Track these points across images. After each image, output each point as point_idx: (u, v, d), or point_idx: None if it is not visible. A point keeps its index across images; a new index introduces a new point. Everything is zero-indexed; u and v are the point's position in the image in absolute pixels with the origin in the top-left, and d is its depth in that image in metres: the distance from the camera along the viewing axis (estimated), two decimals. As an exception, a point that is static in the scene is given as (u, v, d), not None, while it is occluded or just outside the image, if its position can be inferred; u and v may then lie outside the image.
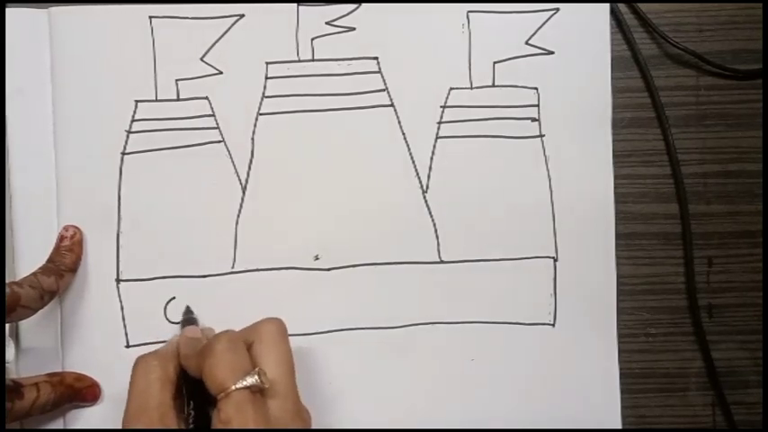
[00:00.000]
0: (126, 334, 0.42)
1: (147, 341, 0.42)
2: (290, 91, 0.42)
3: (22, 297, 0.37)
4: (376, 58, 0.42)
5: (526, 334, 0.43)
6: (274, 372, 0.35)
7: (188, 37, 0.42)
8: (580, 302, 0.43)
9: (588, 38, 0.43)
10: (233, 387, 0.33)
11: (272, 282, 0.42)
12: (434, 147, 0.43)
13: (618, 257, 0.43)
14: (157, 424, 0.33)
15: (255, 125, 0.42)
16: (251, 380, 0.33)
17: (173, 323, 0.42)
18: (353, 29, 0.42)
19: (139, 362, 0.36)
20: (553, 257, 0.43)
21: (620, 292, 0.43)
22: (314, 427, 0.42)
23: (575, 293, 0.43)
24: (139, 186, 0.42)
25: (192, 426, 0.35)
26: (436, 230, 0.43)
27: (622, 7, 0.43)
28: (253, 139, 0.42)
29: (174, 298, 0.42)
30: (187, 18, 0.42)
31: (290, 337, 0.42)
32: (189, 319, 0.41)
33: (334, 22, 0.42)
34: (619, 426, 0.43)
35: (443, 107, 0.42)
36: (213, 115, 0.42)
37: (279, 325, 0.37)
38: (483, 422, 0.42)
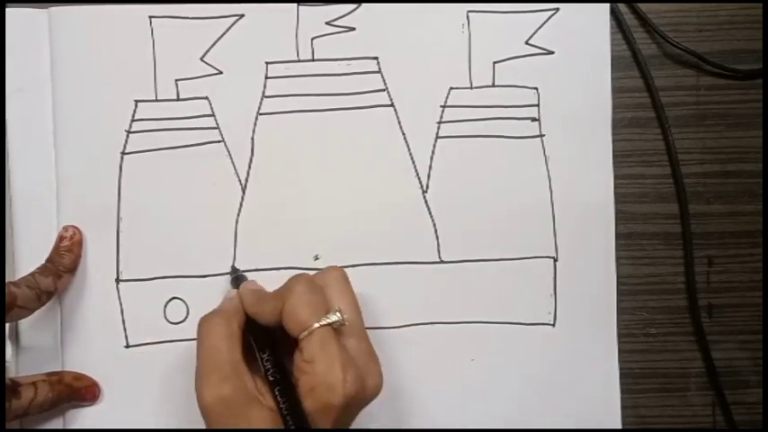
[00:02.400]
0: (126, 334, 0.42)
1: (147, 341, 0.42)
2: (290, 91, 0.42)
3: (19, 297, 0.37)
4: (376, 58, 0.42)
5: (526, 334, 0.43)
6: (347, 313, 0.36)
7: (188, 37, 0.42)
8: (580, 302, 0.43)
9: (588, 38, 0.43)
10: (316, 325, 0.34)
11: (271, 282, 0.42)
12: (434, 147, 0.43)
13: (618, 257, 0.43)
14: (232, 378, 0.34)
15: (255, 125, 0.42)
16: (333, 317, 0.35)
17: (173, 323, 0.42)
18: (353, 29, 0.42)
19: (202, 322, 0.37)
20: (553, 257, 0.43)
21: (620, 292, 0.43)
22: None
23: (575, 293, 0.43)
24: (139, 186, 0.42)
25: (270, 374, 0.35)
26: (436, 230, 0.43)
27: (622, 7, 0.43)
28: (253, 138, 0.42)
29: (174, 298, 0.42)
30: (187, 18, 0.42)
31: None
32: (240, 275, 0.41)
33: (334, 22, 0.42)
34: (619, 426, 0.43)
35: (443, 107, 0.43)
36: (213, 115, 0.42)
37: (343, 272, 0.38)
38: (483, 422, 0.42)
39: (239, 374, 0.34)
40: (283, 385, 0.35)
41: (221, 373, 0.34)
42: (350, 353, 0.35)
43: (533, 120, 0.43)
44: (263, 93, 0.42)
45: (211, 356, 0.35)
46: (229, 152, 0.42)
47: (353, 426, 0.36)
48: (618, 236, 0.43)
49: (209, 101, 0.42)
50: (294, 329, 0.34)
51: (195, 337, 0.41)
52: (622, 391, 0.43)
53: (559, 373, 0.43)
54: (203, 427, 0.42)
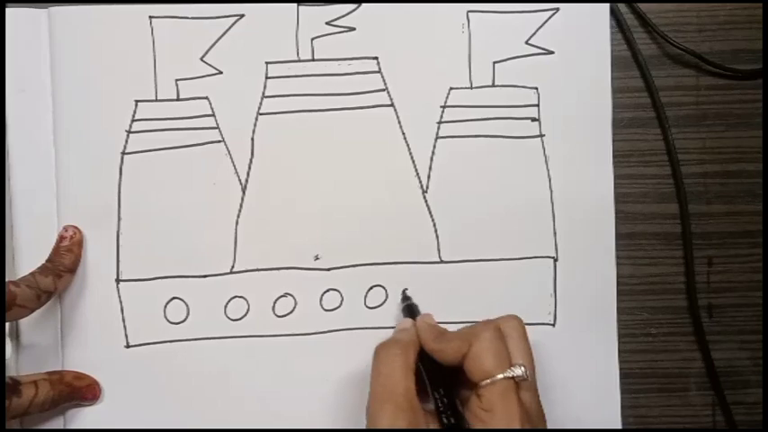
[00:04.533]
0: (126, 334, 0.42)
1: (147, 341, 0.42)
2: (290, 91, 0.42)
3: (19, 296, 0.37)
4: (376, 58, 0.42)
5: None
6: (527, 367, 0.36)
7: (188, 37, 0.42)
8: (580, 302, 0.43)
9: (588, 38, 0.43)
10: (500, 375, 0.34)
11: (272, 282, 0.42)
12: (434, 147, 0.43)
13: (618, 257, 0.43)
14: (407, 411, 0.34)
15: (255, 125, 0.42)
16: (518, 371, 0.35)
17: (173, 323, 0.42)
18: (353, 29, 0.42)
19: (381, 349, 0.37)
20: (553, 257, 0.43)
21: (620, 292, 0.43)
22: (312, 427, 0.42)
23: (575, 293, 0.43)
24: (139, 186, 0.42)
25: (442, 410, 0.36)
26: (436, 230, 0.43)
27: (622, 7, 0.43)
28: (253, 138, 0.42)
29: (174, 298, 0.42)
30: (187, 18, 0.42)
31: (288, 338, 0.42)
32: (411, 305, 0.41)
33: (334, 22, 0.42)
34: (619, 426, 0.43)
35: (443, 107, 0.43)
36: (213, 115, 0.42)
37: (521, 322, 0.38)
38: (483, 422, 0.42)
39: (413, 409, 0.35)
40: (458, 429, 0.35)
41: (396, 405, 0.35)
42: (526, 408, 0.35)
43: (533, 120, 0.43)
44: (263, 93, 0.42)
45: (388, 386, 0.35)
46: (229, 152, 0.42)
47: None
48: (618, 236, 0.43)
49: (209, 101, 0.42)
50: (476, 375, 0.35)
51: (194, 337, 0.42)
52: (622, 391, 0.43)
53: (559, 373, 0.43)
54: (203, 426, 0.42)
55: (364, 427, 0.42)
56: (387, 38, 0.42)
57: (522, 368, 0.35)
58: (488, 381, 0.34)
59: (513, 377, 0.35)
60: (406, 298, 0.42)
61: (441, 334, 0.38)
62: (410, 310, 0.41)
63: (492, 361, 0.35)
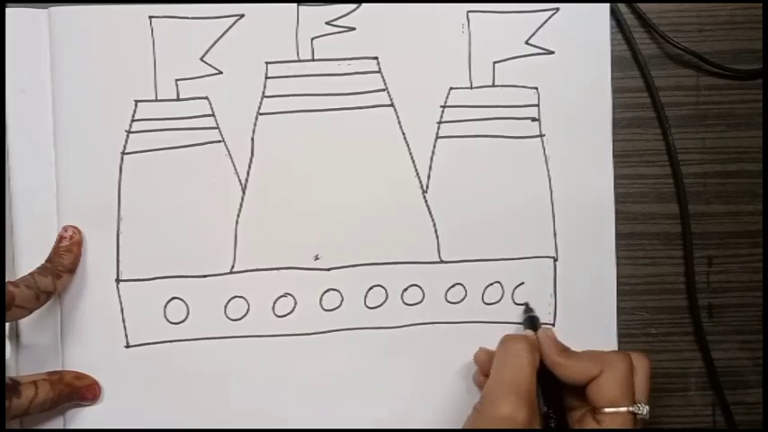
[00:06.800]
0: (126, 334, 0.42)
1: (147, 341, 0.42)
2: (290, 91, 0.42)
3: (17, 296, 0.37)
4: (376, 58, 0.42)
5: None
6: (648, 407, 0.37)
7: (188, 37, 0.42)
8: (580, 302, 0.43)
9: (588, 38, 0.43)
10: (625, 408, 0.35)
11: (272, 282, 0.42)
12: (434, 147, 0.43)
13: (618, 257, 0.43)
14: (527, 407, 0.35)
15: (255, 125, 0.42)
16: (644, 410, 0.36)
17: (173, 323, 0.42)
18: (353, 29, 0.42)
19: (510, 341, 0.38)
20: (553, 257, 0.43)
21: (620, 292, 0.43)
22: (313, 427, 0.42)
23: (575, 293, 0.43)
24: (139, 186, 0.42)
25: (554, 428, 0.37)
26: (436, 230, 0.43)
27: (622, 7, 0.43)
28: (253, 138, 0.42)
29: (174, 298, 0.42)
30: (187, 18, 0.42)
31: (288, 338, 0.42)
32: (533, 317, 0.41)
33: (334, 22, 0.42)
34: (619, 426, 0.43)
35: (443, 107, 0.42)
36: (213, 115, 0.42)
37: (650, 361, 0.38)
38: (483, 422, 0.42)
39: (533, 409, 0.35)
40: None
41: (520, 397, 0.35)
42: None
43: (533, 120, 0.43)
44: (263, 93, 0.42)
45: (515, 377, 0.36)
46: (229, 152, 0.42)
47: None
48: (618, 236, 0.43)
49: (209, 101, 0.42)
50: (600, 400, 0.36)
51: (194, 337, 0.42)
52: (622, 391, 0.43)
53: (559, 373, 0.43)
54: (203, 426, 0.42)
55: (364, 428, 0.42)
56: (387, 38, 0.42)
57: (647, 408, 0.36)
58: (613, 410, 0.35)
59: (636, 414, 0.35)
60: (528, 309, 0.42)
61: (565, 349, 0.38)
62: (532, 321, 0.41)
63: (621, 392, 0.35)
